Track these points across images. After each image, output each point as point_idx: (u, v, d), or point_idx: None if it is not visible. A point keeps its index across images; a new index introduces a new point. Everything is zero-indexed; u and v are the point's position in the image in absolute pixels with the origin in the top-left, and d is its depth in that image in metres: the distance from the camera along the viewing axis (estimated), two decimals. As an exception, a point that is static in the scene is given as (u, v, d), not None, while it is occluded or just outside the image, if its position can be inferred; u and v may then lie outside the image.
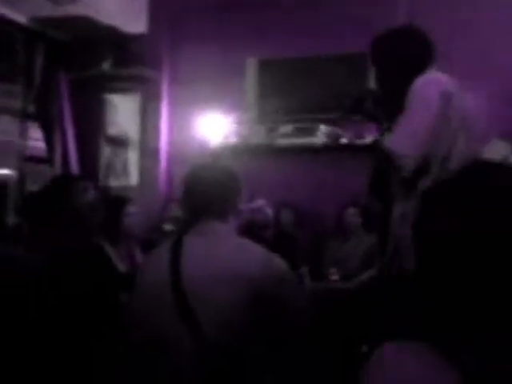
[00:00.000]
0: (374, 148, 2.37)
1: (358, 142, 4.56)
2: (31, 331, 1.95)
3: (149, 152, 5.35)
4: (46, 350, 1.96)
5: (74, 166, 5.37)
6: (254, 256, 1.90)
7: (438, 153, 2.15)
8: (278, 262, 1.93)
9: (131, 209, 3.46)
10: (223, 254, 1.89)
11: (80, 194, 2.63)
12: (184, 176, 2.06)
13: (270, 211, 4.24)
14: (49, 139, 5.35)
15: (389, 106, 2.33)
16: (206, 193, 1.98)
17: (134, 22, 5.16)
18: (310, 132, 4.72)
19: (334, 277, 4.32)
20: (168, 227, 4.19)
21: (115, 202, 3.46)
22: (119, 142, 5.50)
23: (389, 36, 2.38)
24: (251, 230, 3.94)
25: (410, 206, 2.07)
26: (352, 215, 4.52)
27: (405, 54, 2.30)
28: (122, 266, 3.10)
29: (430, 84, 2.20)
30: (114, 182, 5.46)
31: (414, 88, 2.17)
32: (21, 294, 1.98)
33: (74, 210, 2.35)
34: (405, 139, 2.17)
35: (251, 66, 4.98)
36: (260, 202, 4.19)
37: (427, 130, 2.14)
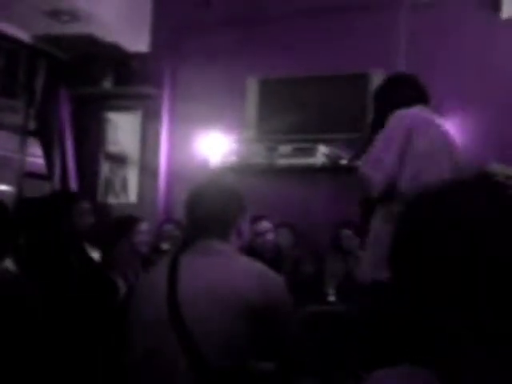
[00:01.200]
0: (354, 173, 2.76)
1: (357, 162, 4.55)
2: (26, 350, 1.93)
3: (148, 170, 5.35)
4: (40, 369, 1.94)
5: (73, 183, 5.36)
6: (250, 274, 1.89)
7: (404, 176, 2.47)
8: (276, 281, 1.92)
9: (143, 227, 3.47)
10: (221, 273, 1.88)
11: (78, 215, 2.63)
12: (187, 194, 2.05)
13: (271, 236, 4.23)
14: (48, 156, 5.35)
15: (374, 133, 2.69)
16: (207, 212, 1.98)
17: (135, 40, 5.19)
18: (310, 152, 4.72)
19: (332, 298, 4.30)
20: (165, 246, 4.18)
21: (127, 221, 3.47)
22: (119, 160, 5.50)
23: (385, 82, 2.91)
24: (252, 250, 3.93)
25: (385, 228, 2.29)
26: (348, 237, 4.50)
27: (395, 97, 2.73)
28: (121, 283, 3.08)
29: (395, 118, 2.57)
30: (112, 200, 5.45)
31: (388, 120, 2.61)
32: (18, 314, 1.97)
33: (73, 232, 2.35)
34: (370, 165, 2.56)
35: (251, 86, 5.00)
36: (266, 226, 4.17)
37: (388, 158, 2.50)
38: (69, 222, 2.71)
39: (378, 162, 2.53)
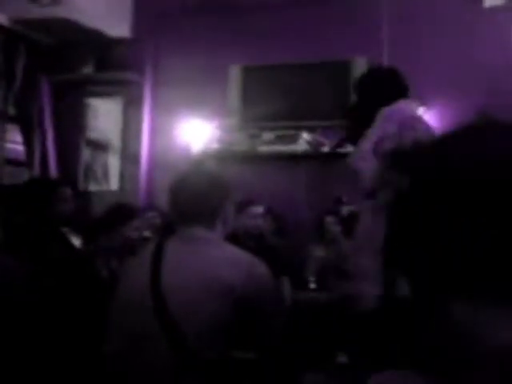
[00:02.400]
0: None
1: (339, 150, 4.56)
2: (19, 336, 1.92)
3: (130, 157, 5.32)
4: (31, 351, 1.93)
5: (54, 170, 5.31)
6: (237, 262, 1.89)
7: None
8: (261, 269, 1.92)
9: (136, 223, 3.44)
10: (204, 260, 1.88)
11: (59, 202, 2.60)
12: (170, 181, 2.04)
13: (261, 222, 4.23)
14: (28, 142, 5.29)
15: (360, 126, 2.74)
16: (191, 199, 1.97)
17: (116, 25, 5.13)
18: (292, 139, 4.72)
19: (313, 285, 4.32)
20: (147, 233, 4.16)
21: (125, 213, 3.44)
22: (100, 147, 5.45)
23: (367, 77, 2.94)
24: (239, 238, 3.92)
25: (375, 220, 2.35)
26: (331, 224, 4.51)
27: (379, 93, 2.76)
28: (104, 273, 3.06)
29: (386, 115, 2.63)
30: (93, 187, 5.41)
31: (376, 116, 2.63)
32: (8, 300, 1.95)
33: (53, 219, 2.32)
34: (360, 157, 2.62)
35: (234, 72, 4.98)
36: (259, 210, 4.16)
37: (377, 151, 2.56)
38: (50, 208, 2.68)
39: (365, 157, 2.61)
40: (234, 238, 3.34)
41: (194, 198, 1.97)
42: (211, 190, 1.99)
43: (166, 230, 2.05)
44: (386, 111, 2.65)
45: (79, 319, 2.10)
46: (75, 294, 2.20)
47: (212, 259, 1.88)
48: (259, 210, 4.16)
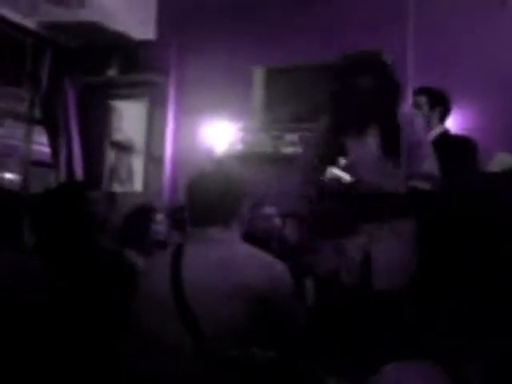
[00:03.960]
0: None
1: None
2: (41, 334, 1.94)
3: (154, 158, 5.34)
4: (50, 349, 1.95)
5: (79, 172, 5.36)
6: (253, 261, 1.89)
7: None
8: (278, 267, 1.92)
9: (159, 217, 3.47)
10: (223, 260, 1.88)
11: (90, 205, 2.62)
12: (186, 184, 2.05)
13: (278, 221, 4.22)
14: (54, 144, 5.34)
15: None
16: (207, 200, 1.97)
17: (141, 27, 5.16)
18: (316, 141, 4.69)
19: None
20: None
21: (142, 211, 3.47)
22: (124, 148, 5.49)
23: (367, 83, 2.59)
24: (256, 238, 3.92)
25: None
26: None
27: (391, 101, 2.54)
28: None
29: (414, 123, 2.50)
30: (118, 188, 5.45)
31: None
32: (32, 300, 1.97)
33: (84, 222, 2.34)
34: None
35: (258, 74, 4.97)
36: (270, 211, 4.16)
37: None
38: (81, 212, 2.69)
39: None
40: (251, 239, 3.34)
41: (210, 198, 1.97)
42: (227, 190, 1.99)
43: (185, 230, 2.05)
44: (410, 117, 2.52)
45: (103, 315, 2.11)
46: (100, 291, 2.21)
47: (230, 259, 1.89)
48: (270, 211, 4.15)
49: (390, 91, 2.51)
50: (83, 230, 2.33)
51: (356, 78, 2.53)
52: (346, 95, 2.55)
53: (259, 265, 1.88)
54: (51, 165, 5.36)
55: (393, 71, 2.59)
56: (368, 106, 2.48)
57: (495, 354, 0.80)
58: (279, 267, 1.93)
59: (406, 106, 2.56)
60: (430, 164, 2.43)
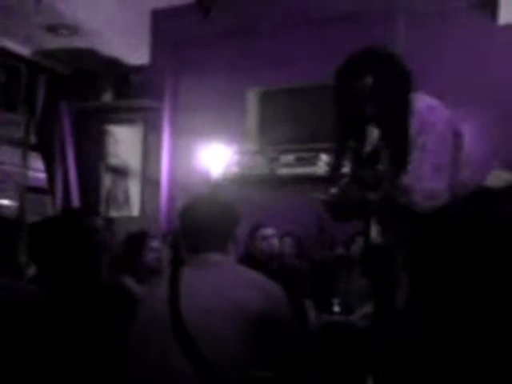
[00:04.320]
0: None
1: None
2: (36, 362, 1.93)
3: (150, 182, 5.35)
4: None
5: (75, 197, 5.35)
6: (249, 284, 1.89)
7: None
8: (274, 288, 1.92)
9: (154, 243, 3.43)
10: (220, 285, 1.88)
11: (90, 234, 2.61)
12: (180, 209, 2.06)
13: (276, 242, 4.22)
14: (50, 170, 5.35)
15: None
16: (199, 226, 1.98)
17: (135, 52, 5.20)
18: (312, 162, 4.71)
19: (336, 308, 4.27)
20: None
21: (138, 237, 3.44)
22: (120, 173, 5.49)
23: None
24: (255, 260, 3.91)
25: None
26: (357, 244, 4.45)
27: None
28: None
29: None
30: (115, 213, 5.44)
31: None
32: (29, 326, 1.96)
33: (85, 250, 2.32)
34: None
35: (252, 96, 5.00)
36: (268, 232, 4.16)
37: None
38: (83, 240, 2.67)
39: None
40: (249, 261, 3.33)
41: (205, 224, 1.98)
42: (221, 215, 2.00)
43: (179, 256, 2.05)
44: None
45: (103, 346, 2.10)
46: (101, 324, 2.19)
47: (228, 283, 1.89)
48: (269, 231, 4.14)
49: (399, 84, 2.13)
50: (84, 258, 2.32)
51: (354, 78, 2.22)
52: (344, 98, 2.28)
53: (255, 287, 1.88)
54: (47, 190, 5.36)
55: (400, 61, 2.21)
56: (367, 107, 2.17)
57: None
58: (275, 289, 1.93)
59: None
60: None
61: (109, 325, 2.07)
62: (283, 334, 1.90)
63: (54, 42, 4.82)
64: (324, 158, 4.69)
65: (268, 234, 4.15)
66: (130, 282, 3.10)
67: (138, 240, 3.43)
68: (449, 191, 1.97)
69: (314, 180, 4.77)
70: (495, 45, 4.43)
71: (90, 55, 5.02)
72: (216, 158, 4.99)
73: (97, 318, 2.05)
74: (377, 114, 2.15)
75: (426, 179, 1.98)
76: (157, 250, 3.44)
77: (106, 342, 2.01)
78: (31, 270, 2.52)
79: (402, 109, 2.06)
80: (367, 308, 4.00)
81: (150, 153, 5.39)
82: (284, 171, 4.80)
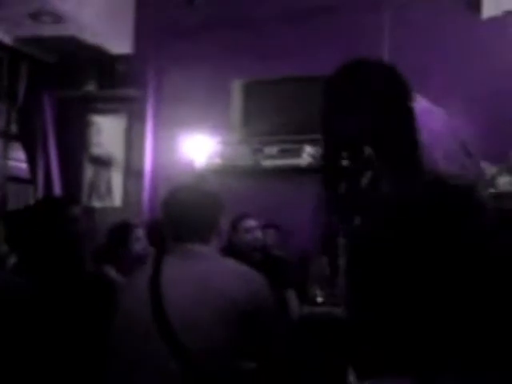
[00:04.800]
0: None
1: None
2: (19, 353, 1.91)
3: (133, 173, 5.32)
4: (33, 371, 1.92)
5: (57, 187, 5.31)
6: (232, 275, 1.89)
7: None
8: (257, 279, 1.93)
9: (139, 233, 3.44)
10: (202, 274, 1.88)
11: (72, 221, 2.59)
12: (164, 199, 2.05)
13: (259, 233, 4.22)
14: (32, 160, 5.30)
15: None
16: (183, 215, 1.98)
17: (119, 42, 5.15)
18: (295, 153, 4.72)
19: (319, 299, 4.29)
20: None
21: (122, 228, 3.44)
22: (103, 163, 5.45)
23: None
24: (238, 251, 3.92)
25: None
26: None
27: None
28: None
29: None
30: (97, 203, 5.40)
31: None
32: (11, 319, 1.94)
33: (66, 238, 2.31)
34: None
35: (236, 87, 4.99)
36: (251, 223, 4.16)
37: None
38: (60, 229, 2.65)
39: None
40: (232, 252, 3.34)
41: (188, 213, 1.97)
42: (205, 204, 2.00)
43: (163, 246, 2.05)
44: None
45: (85, 335, 2.09)
46: (82, 311, 2.18)
47: (211, 274, 1.89)
48: (253, 223, 4.15)
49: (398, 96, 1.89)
50: (64, 247, 2.30)
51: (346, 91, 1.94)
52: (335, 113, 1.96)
53: (238, 278, 1.89)
54: (29, 181, 5.31)
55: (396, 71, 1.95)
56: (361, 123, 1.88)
57: (474, 366, 0.79)
58: (258, 280, 1.93)
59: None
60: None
61: (89, 313, 2.06)
62: (266, 324, 1.91)
63: (36, 30, 4.75)
64: (308, 149, 4.69)
65: (251, 225, 4.15)
66: (111, 271, 3.09)
67: (122, 230, 3.42)
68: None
69: (298, 171, 4.78)
70: (479, 38, 4.45)
71: (74, 44, 4.96)
72: (199, 149, 4.97)
73: (77, 307, 2.04)
74: (375, 128, 1.86)
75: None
76: (143, 239, 3.44)
77: (87, 330, 2.01)
78: (12, 260, 2.50)
79: (406, 120, 1.82)
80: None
81: (133, 143, 5.36)
82: (268, 162, 4.80)
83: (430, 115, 1.87)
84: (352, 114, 1.84)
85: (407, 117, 1.82)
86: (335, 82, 1.97)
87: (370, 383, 0.84)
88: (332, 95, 1.96)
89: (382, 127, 1.82)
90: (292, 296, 4.14)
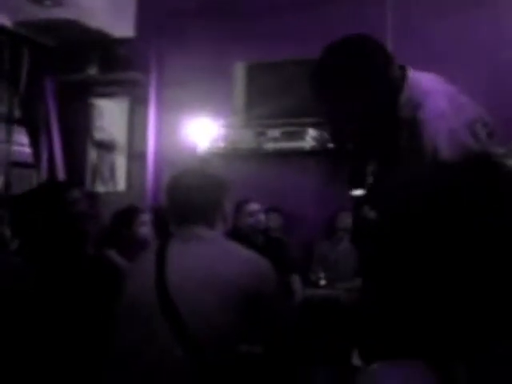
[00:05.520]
0: None
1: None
2: (23, 337, 1.92)
3: (136, 157, 5.31)
4: (35, 354, 1.93)
5: (61, 172, 5.31)
6: (238, 259, 1.89)
7: None
8: (262, 263, 1.92)
9: (144, 217, 3.45)
10: (207, 258, 1.87)
11: (71, 204, 2.59)
12: (168, 182, 2.04)
13: (263, 217, 4.23)
14: (35, 144, 5.29)
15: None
16: (188, 199, 1.96)
17: (121, 25, 5.12)
18: (299, 136, 4.70)
19: (323, 282, 4.30)
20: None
21: (128, 212, 3.45)
22: (106, 147, 5.45)
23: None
24: (242, 234, 3.93)
25: None
26: (345, 218, 4.44)
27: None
28: None
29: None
30: (101, 188, 5.41)
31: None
32: (14, 300, 1.95)
33: (66, 221, 2.31)
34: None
35: (239, 70, 4.96)
36: (255, 207, 4.17)
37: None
38: (61, 212, 2.66)
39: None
40: (236, 236, 3.35)
41: (193, 197, 1.96)
42: (209, 187, 1.98)
43: (167, 230, 2.04)
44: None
45: (88, 319, 2.10)
46: (84, 294, 2.19)
47: (215, 258, 1.88)
48: (256, 206, 4.16)
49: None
50: (64, 230, 2.31)
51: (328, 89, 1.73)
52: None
53: (243, 262, 1.88)
54: (33, 165, 5.31)
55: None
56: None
57: (482, 350, 0.79)
58: (263, 264, 1.93)
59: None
60: None
61: (91, 296, 2.07)
62: (270, 309, 1.91)
63: (37, 14, 4.72)
64: (311, 132, 4.68)
65: (254, 208, 4.16)
66: (114, 255, 3.10)
67: (128, 214, 3.43)
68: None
69: (301, 154, 4.77)
70: (481, 20, 4.43)
71: (75, 27, 4.93)
72: (202, 132, 4.96)
73: (78, 290, 2.05)
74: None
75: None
76: (148, 224, 3.45)
77: (89, 313, 2.01)
78: (15, 244, 2.51)
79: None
80: (354, 282, 4.04)
81: (135, 127, 5.35)
82: (271, 145, 4.79)
83: (438, 93, 1.70)
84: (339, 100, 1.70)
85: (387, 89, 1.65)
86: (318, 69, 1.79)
87: (377, 366, 0.84)
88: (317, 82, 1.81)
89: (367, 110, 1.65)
90: (296, 280, 4.16)
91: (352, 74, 1.63)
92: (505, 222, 0.82)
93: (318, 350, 2.77)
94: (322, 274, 4.35)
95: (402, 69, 1.71)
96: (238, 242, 2.04)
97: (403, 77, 1.67)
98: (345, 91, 1.64)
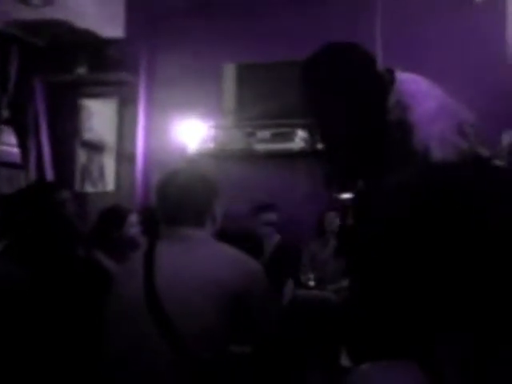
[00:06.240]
0: None
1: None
2: (14, 341, 1.91)
3: (125, 157, 5.30)
4: (27, 356, 1.92)
5: (49, 172, 5.29)
6: (227, 260, 1.89)
7: None
8: (252, 264, 1.92)
9: (133, 218, 3.43)
10: (197, 260, 1.87)
11: (60, 204, 2.59)
12: (157, 182, 2.03)
13: (252, 217, 4.23)
14: (23, 144, 5.27)
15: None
16: (177, 199, 1.96)
17: (110, 25, 5.10)
18: (288, 137, 4.72)
19: (312, 283, 4.31)
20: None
21: (115, 212, 3.43)
22: (95, 147, 5.43)
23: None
24: (231, 235, 3.92)
25: None
26: (333, 218, 4.47)
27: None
28: None
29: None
30: (89, 188, 5.39)
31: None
32: (6, 304, 1.94)
33: (55, 222, 2.31)
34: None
35: (229, 71, 4.96)
36: (243, 207, 4.17)
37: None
38: (49, 213, 2.65)
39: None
40: (225, 236, 3.35)
41: (182, 197, 1.96)
42: (199, 188, 1.98)
43: (156, 230, 2.04)
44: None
45: (80, 322, 2.09)
46: (75, 297, 2.19)
47: (205, 258, 1.88)
48: (246, 207, 4.16)
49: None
50: (53, 232, 2.30)
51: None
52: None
53: (233, 263, 1.88)
54: (21, 165, 5.28)
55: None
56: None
57: (469, 347, 0.80)
58: (253, 265, 1.93)
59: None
60: None
61: (79, 297, 2.06)
62: (260, 309, 1.91)
63: (25, 13, 4.70)
64: (301, 133, 4.69)
65: (243, 210, 4.16)
66: (101, 256, 3.09)
67: (115, 214, 3.41)
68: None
69: (290, 155, 4.78)
70: (473, 21, 4.45)
71: (63, 27, 4.91)
72: (192, 133, 4.96)
73: (66, 291, 2.04)
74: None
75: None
76: (135, 224, 3.43)
77: (82, 315, 2.01)
78: (1, 245, 2.49)
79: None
80: (342, 283, 4.06)
81: (125, 127, 5.34)
82: (260, 146, 4.80)
83: (425, 95, 1.72)
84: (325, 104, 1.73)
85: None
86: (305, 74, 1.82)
87: (367, 366, 0.85)
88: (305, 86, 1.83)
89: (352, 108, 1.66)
90: (289, 284, 4.16)
91: (338, 77, 1.68)
92: (501, 221, 0.83)
93: (312, 355, 2.77)
94: (311, 275, 4.35)
95: (390, 72, 1.72)
96: (226, 242, 2.04)
97: (391, 80, 1.68)
98: (332, 95, 1.68)
